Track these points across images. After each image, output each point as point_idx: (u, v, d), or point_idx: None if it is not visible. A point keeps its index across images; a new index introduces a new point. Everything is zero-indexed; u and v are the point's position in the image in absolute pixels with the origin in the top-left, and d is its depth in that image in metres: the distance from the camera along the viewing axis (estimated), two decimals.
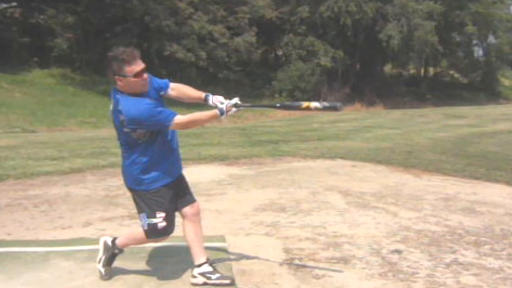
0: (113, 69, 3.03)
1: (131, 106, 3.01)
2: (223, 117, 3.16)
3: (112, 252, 3.38)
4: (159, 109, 3.07)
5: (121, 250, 3.42)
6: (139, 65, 3.04)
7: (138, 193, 3.22)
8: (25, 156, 7.94)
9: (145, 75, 3.07)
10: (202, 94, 3.39)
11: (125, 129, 3.07)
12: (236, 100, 3.22)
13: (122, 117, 3.04)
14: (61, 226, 4.56)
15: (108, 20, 22.04)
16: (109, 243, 3.39)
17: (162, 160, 3.18)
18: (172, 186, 3.23)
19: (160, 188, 3.17)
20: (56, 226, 4.57)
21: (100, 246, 3.41)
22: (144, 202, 3.19)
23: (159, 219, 3.17)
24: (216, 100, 3.29)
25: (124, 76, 3.01)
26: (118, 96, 3.08)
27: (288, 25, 27.84)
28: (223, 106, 3.18)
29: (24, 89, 19.18)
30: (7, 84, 18.99)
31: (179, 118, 3.08)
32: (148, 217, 3.18)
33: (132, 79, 3.02)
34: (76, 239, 4.17)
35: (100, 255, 3.38)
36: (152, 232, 3.21)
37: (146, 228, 3.21)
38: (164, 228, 3.20)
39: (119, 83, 3.05)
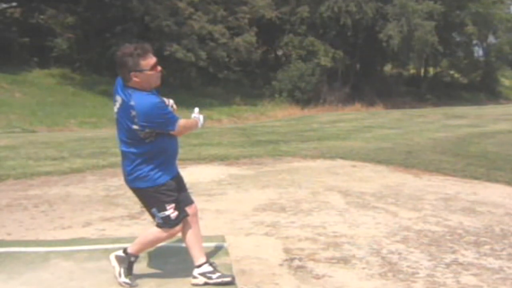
0: (129, 66, 3.02)
1: (144, 100, 3.04)
2: (200, 125, 3.45)
3: (129, 261, 3.33)
4: (169, 109, 3.16)
5: (136, 257, 3.37)
6: (153, 58, 3.08)
7: (144, 191, 3.22)
8: (25, 156, 7.94)
9: (159, 68, 3.11)
10: None
11: (135, 126, 3.06)
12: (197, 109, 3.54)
13: (134, 113, 3.03)
14: (61, 226, 4.56)
15: (108, 20, 22.03)
16: (121, 254, 3.35)
17: (167, 157, 3.23)
18: (175, 181, 3.30)
19: (167, 182, 3.20)
20: (56, 226, 4.57)
21: (113, 262, 3.34)
22: (152, 198, 3.21)
23: (170, 210, 3.19)
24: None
25: (141, 71, 3.03)
26: (129, 91, 3.07)
27: (288, 25, 27.84)
28: (197, 115, 3.47)
29: (24, 89, 19.18)
30: (7, 84, 18.99)
31: (181, 121, 3.19)
32: (159, 211, 3.20)
33: (149, 72, 3.05)
34: (76, 239, 4.17)
35: (118, 269, 3.32)
36: (167, 224, 3.22)
37: (160, 221, 3.22)
38: (177, 216, 3.22)
39: (135, 79, 3.04)
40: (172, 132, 3.16)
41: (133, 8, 21.49)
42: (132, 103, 3.03)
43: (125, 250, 3.36)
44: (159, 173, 3.17)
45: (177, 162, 3.44)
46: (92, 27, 23.19)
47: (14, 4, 24.18)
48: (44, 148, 8.82)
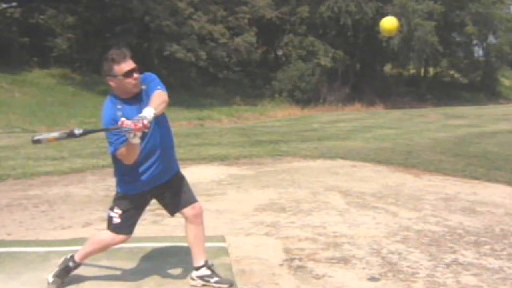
0: (104, 70, 3.06)
1: (104, 110, 3.07)
2: (132, 140, 2.88)
3: (66, 265, 3.31)
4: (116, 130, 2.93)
5: (76, 264, 3.32)
6: (129, 65, 3.02)
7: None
8: (25, 156, 7.94)
9: (135, 75, 3.04)
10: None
11: None
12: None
13: None
14: (61, 226, 4.56)
15: (108, 20, 22.03)
16: (68, 257, 3.36)
17: (134, 170, 3.14)
18: (141, 196, 3.23)
19: (124, 195, 3.22)
20: (56, 226, 4.57)
21: (61, 260, 3.36)
22: (115, 196, 3.30)
23: (115, 214, 3.21)
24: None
25: (114, 76, 3.02)
26: (108, 96, 3.13)
27: (288, 25, 27.83)
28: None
29: (24, 89, 19.17)
30: (7, 84, 18.98)
31: (120, 150, 3.00)
32: (109, 209, 3.27)
33: (121, 78, 3.01)
34: (76, 239, 4.17)
35: (57, 266, 3.32)
36: (108, 224, 3.28)
37: (106, 217, 3.30)
38: (118, 224, 3.22)
39: (110, 83, 3.07)
40: (117, 155, 3.05)
41: (133, 8, 21.47)
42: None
43: (72, 256, 3.35)
44: (122, 183, 3.24)
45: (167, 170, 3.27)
46: (92, 27, 23.19)
47: (14, 4, 24.18)
48: (44, 148, 8.81)
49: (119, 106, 3.04)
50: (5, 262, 3.68)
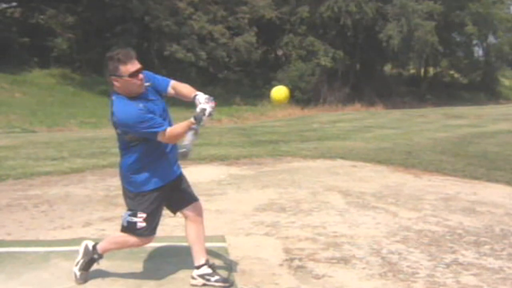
0: (109, 70, 3.05)
1: (122, 109, 3.03)
2: (200, 124, 3.06)
3: (91, 257, 3.34)
4: (149, 116, 3.02)
5: (100, 256, 3.37)
6: (135, 66, 3.04)
7: (128, 192, 3.24)
8: (25, 156, 7.94)
9: (141, 76, 3.06)
10: (192, 94, 3.26)
11: (118, 131, 3.11)
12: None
13: (114, 119, 3.07)
14: (61, 226, 4.56)
15: (108, 20, 22.05)
16: (90, 247, 3.37)
17: (153, 164, 3.17)
18: (163, 190, 3.22)
19: (148, 192, 3.17)
20: (56, 226, 4.57)
21: (81, 249, 3.38)
22: (131, 200, 3.22)
23: (140, 219, 3.18)
24: (199, 101, 3.15)
25: (120, 76, 3.02)
26: (113, 97, 3.11)
27: (288, 25, 27.85)
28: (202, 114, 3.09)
29: (24, 89, 19.19)
30: (7, 84, 19.01)
31: (167, 130, 3.06)
32: (130, 215, 3.20)
33: (127, 79, 3.02)
34: (76, 239, 4.16)
35: (79, 258, 3.36)
36: (130, 230, 3.22)
37: (125, 224, 3.23)
38: (143, 228, 3.19)
39: (115, 83, 3.06)
40: (160, 139, 3.06)
41: (133, 8, 21.50)
42: (113, 109, 3.07)
43: (95, 245, 3.38)
44: (143, 181, 3.16)
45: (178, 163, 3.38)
46: (92, 27, 23.22)
47: (14, 4, 24.21)
48: (44, 148, 8.82)
49: (132, 102, 3.07)
50: (5, 262, 3.67)
